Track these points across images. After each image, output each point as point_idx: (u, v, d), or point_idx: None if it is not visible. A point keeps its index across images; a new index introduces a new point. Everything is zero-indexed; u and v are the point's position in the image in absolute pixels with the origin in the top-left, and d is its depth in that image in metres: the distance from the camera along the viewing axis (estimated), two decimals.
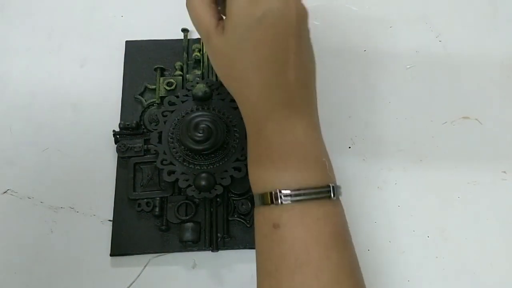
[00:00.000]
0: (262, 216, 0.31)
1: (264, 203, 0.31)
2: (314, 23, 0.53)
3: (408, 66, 0.51)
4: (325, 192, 0.31)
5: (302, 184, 0.30)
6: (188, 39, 0.50)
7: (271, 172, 0.31)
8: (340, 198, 0.33)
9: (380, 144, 0.47)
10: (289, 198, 0.30)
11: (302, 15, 0.32)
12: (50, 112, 0.48)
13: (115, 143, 0.45)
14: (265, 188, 0.31)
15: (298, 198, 0.30)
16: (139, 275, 0.42)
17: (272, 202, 0.30)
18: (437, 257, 0.43)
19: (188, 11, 0.34)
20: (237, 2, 0.30)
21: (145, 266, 0.42)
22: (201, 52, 0.49)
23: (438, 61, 0.51)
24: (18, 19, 0.53)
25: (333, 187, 0.31)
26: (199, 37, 0.50)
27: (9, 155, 0.46)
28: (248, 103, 0.33)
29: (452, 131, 0.48)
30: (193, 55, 0.49)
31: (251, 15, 0.30)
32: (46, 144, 0.46)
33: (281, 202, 0.30)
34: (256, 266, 0.32)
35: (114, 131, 0.45)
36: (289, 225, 0.30)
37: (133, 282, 0.41)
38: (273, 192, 0.30)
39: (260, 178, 0.32)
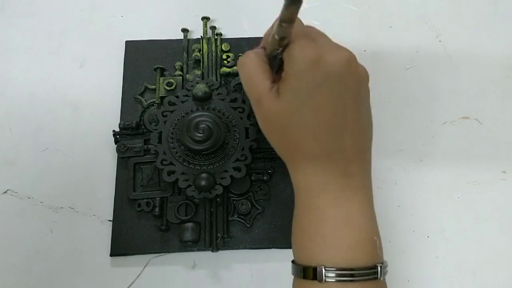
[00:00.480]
0: (305, 287, 0.30)
1: (305, 277, 0.29)
2: (314, 23, 0.53)
3: (408, 66, 0.51)
4: (372, 274, 0.29)
5: (349, 263, 0.28)
6: (188, 39, 0.50)
7: (319, 246, 0.29)
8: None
9: (380, 144, 0.47)
10: (333, 277, 0.28)
11: (363, 78, 0.31)
12: (50, 112, 0.48)
13: (115, 143, 0.45)
14: (310, 261, 0.29)
15: (343, 278, 0.28)
16: (139, 275, 0.42)
17: (314, 278, 0.28)
18: (437, 257, 0.43)
19: (240, 70, 0.33)
20: (298, 65, 0.29)
21: (145, 266, 0.42)
22: (201, 52, 0.49)
23: (438, 61, 0.51)
24: (18, 19, 0.53)
25: (380, 267, 0.29)
26: (199, 37, 0.51)
27: (9, 155, 0.46)
28: (301, 171, 0.31)
29: (452, 131, 0.48)
30: (193, 55, 0.49)
31: (312, 79, 0.28)
32: (46, 144, 0.46)
33: (325, 280, 0.28)
34: None
35: (114, 131, 0.45)
36: None
37: (133, 282, 0.41)
38: (318, 268, 0.28)
39: (305, 250, 0.30)
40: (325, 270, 0.28)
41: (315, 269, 0.29)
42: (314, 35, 0.32)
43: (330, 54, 0.29)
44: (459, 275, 0.42)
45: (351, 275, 0.28)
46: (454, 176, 0.46)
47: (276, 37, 0.29)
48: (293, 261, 0.31)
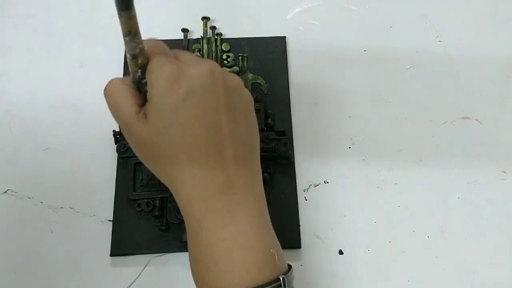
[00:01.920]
0: None
1: None
2: (314, 23, 0.54)
3: (408, 66, 0.51)
4: (275, 287, 0.27)
5: (249, 283, 0.27)
6: (188, 39, 0.50)
7: (214, 273, 0.28)
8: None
9: (380, 144, 0.47)
10: None
11: (233, 87, 0.29)
12: (50, 112, 0.48)
13: (115, 143, 0.45)
14: None
15: None
16: (139, 275, 0.42)
17: None
18: (437, 257, 0.43)
19: (105, 98, 0.31)
20: (157, 83, 0.28)
21: (145, 266, 0.42)
22: (201, 52, 0.49)
23: (438, 61, 0.51)
24: (18, 19, 0.53)
25: (283, 278, 0.28)
26: (199, 37, 0.51)
27: (9, 155, 0.46)
28: (183, 193, 0.29)
29: (452, 131, 0.48)
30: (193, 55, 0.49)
31: (174, 96, 0.27)
32: (46, 144, 0.46)
33: None
34: None
35: (114, 131, 0.45)
36: None
37: (133, 282, 0.41)
38: None
39: (203, 280, 0.29)
40: None
41: None
42: (174, 52, 0.31)
43: (190, 67, 0.28)
44: (459, 275, 0.42)
45: None
46: (454, 176, 0.46)
47: (128, 55, 0.28)
48: None
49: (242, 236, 0.28)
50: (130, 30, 0.27)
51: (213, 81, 0.28)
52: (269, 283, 0.27)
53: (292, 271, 0.30)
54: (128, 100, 0.30)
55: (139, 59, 0.29)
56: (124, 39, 0.28)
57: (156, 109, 0.28)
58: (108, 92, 0.30)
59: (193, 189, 0.29)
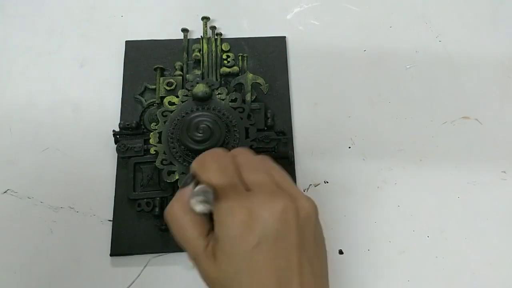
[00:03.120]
0: None
1: None
2: (314, 23, 0.54)
3: (408, 66, 0.51)
4: None
5: None
6: (188, 39, 0.50)
7: None
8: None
9: (380, 144, 0.47)
10: None
11: (305, 221, 0.28)
12: (50, 112, 0.48)
13: (115, 143, 0.45)
14: None
15: None
16: (139, 275, 0.42)
17: None
18: (437, 257, 0.43)
19: (169, 224, 0.29)
20: (228, 230, 0.27)
21: (145, 266, 0.42)
22: (201, 52, 0.49)
23: (438, 61, 0.51)
24: (18, 19, 0.53)
25: None
26: (199, 37, 0.51)
27: (9, 155, 0.46)
28: None
29: (452, 131, 0.48)
30: (193, 55, 0.49)
31: (245, 243, 0.26)
32: (46, 144, 0.46)
33: None
34: None
35: (114, 131, 0.45)
36: None
37: (133, 282, 0.41)
38: None
39: None
40: None
41: None
42: (238, 188, 0.28)
43: (262, 209, 0.27)
44: (459, 275, 0.42)
45: None
46: (454, 176, 0.46)
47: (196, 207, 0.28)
48: None
49: None
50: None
51: (286, 223, 0.27)
52: None
53: None
54: (194, 232, 0.28)
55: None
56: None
57: (226, 254, 0.27)
58: (172, 221, 0.29)
59: None
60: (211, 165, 0.29)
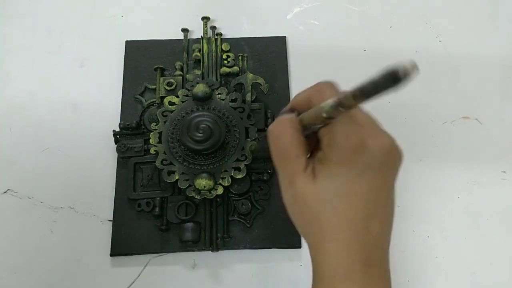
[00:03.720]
0: None
1: None
2: (314, 23, 0.54)
3: None
4: None
5: None
6: (188, 39, 0.50)
7: None
8: None
9: None
10: None
11: (399, 164, 0.29)
12: (50, 112, 0.48)
13: (115, 143, 0.45)
14: None
15: None
16: (139, 275, 0.42)
17: None
18: (437, 257, 0.43)
19: (272, 140, 0.30)
20: (341, 152, 0.27)
21: (145, 266, 0.42)
22: (201, 52, 0.49)
23: (438, 61, 0.51)
24: (18, 19, 0.53)
25: None
26: (199, 37, 0.51)
27: (9, 155, 0.46)
28: (325, 260, 0.29)
29: (452, 131, 0.48)
30: (193, 55, 0.49)
31: (352, 169, 0.27)
32: (46, 144, 0.46)
33: None
34: None
35: (114, 131, 0.45)
36: None
37: (133, 282, 0.41)
38: None
39: None
40: None
41: None
42: (358, 116, 0.29)
43: (373, 140, 0.28)
44: (459, 275, 0.42)
45: None
46: (454, 176, 0.46)
47: (324, 115, 0.27)
48: None
49: None
50: (357, 105, 0.26)
51: (389, 159, 0.28)
52: None
53: None
54: (297, 150, 0.29)
55: (331, 119, 0.27)
56: (337, 106, 0.26)
57: (331, 175, 0.28)
58: (278, 135, 0.29)
59: (337, 257, 0.28)
60: (331, 90, 0.29)
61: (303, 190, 0.28)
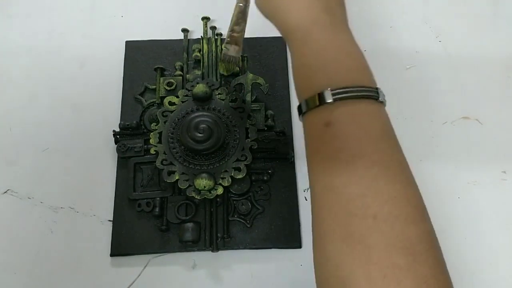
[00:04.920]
0: (313, 117, 0.31)
1: (317, 104, 0.30)
2: None
3: (408, 66, 0.51)
4: (373, 92, 0.31)
5: (351, 82, 0.30)
6: (188, 39, 0.50)
7: (320, 73, 0.31)
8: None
9: None
10: (339, 95, 0.29)
11: None
12: (50, 112, 0.48)
13: (115, 143, 0.45)
14: (315, 90, 0.31)
15: (348, 94, 0.30)
16: (139, 275, 0.42)
17: (321, 103, 0.30)
18: None
19: None
20: None
21: (145, 266, 0.42)
22: (201, 52, 0.49)
23: (438, 61, 0.51)
24: (18, 19, 0.53)
25: (381, 91, 0.31)
26: (199, 37, 0.51)
27: (9, 155, 0.46)
28: (290, 14, 0.34)
29: (452, 131, 0.48)
30: (193, 55, 0.49)
31: None
32: (46, 144, 0.46)
33: (334, 100, 0.29)
34: (309, 168, 0.32)
35: (114, 131, 0.45)
36: (341, 121, 0.30)
37: (133, 282, 0.41)
38: (324, 92, 0.30)
39: (308, 82, 0.32)
40: (331, 90, 0.29)
41: (320, 94, 0.30)
42: None
43: None
44: (459, 275, 0.42)
45: (354, 91, 0.30)
46: (454, 176, 0.46)
47: None
48: (298, 106, 0.33)
49: (346, 48, 0.32)
50: None
51: None
52: (369, 87, 0.31)
53: (385, 96, 0.33)
54: None
55: None
56: None
57: None
58: None
59: (301, 8, 0.33)
60: None
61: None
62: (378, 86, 0.32)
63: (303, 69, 0.33)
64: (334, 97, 0.29)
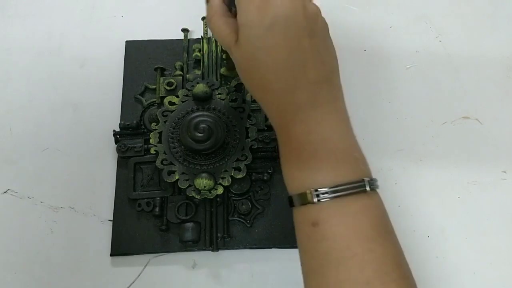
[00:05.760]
0: (301, 215, 0.31)
1: (302, 203, 0.31)
2: None
3: (408, 66, 0.51)
4: (359, 187, 0.30)
5: (336, 181, 0.30)
6: (188, 39, 0.50)
7: (305, 172, 0.31)
8: (378, 190, 0.32)
9: (380, 144, 0.47)
10: (326, 195, 0.30)
11: (312, 15, 0.32)
12: (50, 112, 0.48)
13: (115, 143, 0.45)
14: (302, 188, 0.31)
15: (334, 195, 0.30)
16: (139, 275, 0.42)
17: (308, 202, 0.30)
18: (437, 257, 0.43)
19: (209, 27, 0.35)
20: (246, 14, 0.31)
21: (145, 266, 0.42)
22: (201, 52, 0.49)
23: (438, 61, 0.51)
24: (18, 19, 0.53)
25: (368, 180, 0.31)
26: (199, 37, 0.51)
27: (9, 155, 0.46)
28: (273, 108, 0.33)
29: (452, 131, 0.48)
30: (193, 55, 0.49)
31: (260, 24, 0.31)
32: (46, 144, 0.46)
33: (318, 201, 0.30)
34: (301, 266, 0.32)
35: (114, 131, 0.45)
36: (328, 222, 0.30)
37: (133, 282, 0.41)
38: (309, 191, 0.30)
39: (295, 178, 0.32)
40: (315, 191, 0.30)
41: (306, 193, 0.30)
42: None
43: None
44: (459, 275, 0.42)
45: (340, 190, 0.30)
46: (454, 176, 0.46)
47: None
48: (289, 197, 0.33)
49: (327, 141, 0.32)
50: None
51: (295, 10, 0.31)
52: (353, 182, 0.30)
53: (377, 181, 0.32)
54: (226, 28, 0.33)
55: None
56: None
57: (245, 36, 0.32)
58: (209, 20, 0.35)
59: (281, 104, 0.32)
60: None
61: (236, 56, 0.33)
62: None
63: (288, 163, 0.33)
64: (318, 198, 0.30)
